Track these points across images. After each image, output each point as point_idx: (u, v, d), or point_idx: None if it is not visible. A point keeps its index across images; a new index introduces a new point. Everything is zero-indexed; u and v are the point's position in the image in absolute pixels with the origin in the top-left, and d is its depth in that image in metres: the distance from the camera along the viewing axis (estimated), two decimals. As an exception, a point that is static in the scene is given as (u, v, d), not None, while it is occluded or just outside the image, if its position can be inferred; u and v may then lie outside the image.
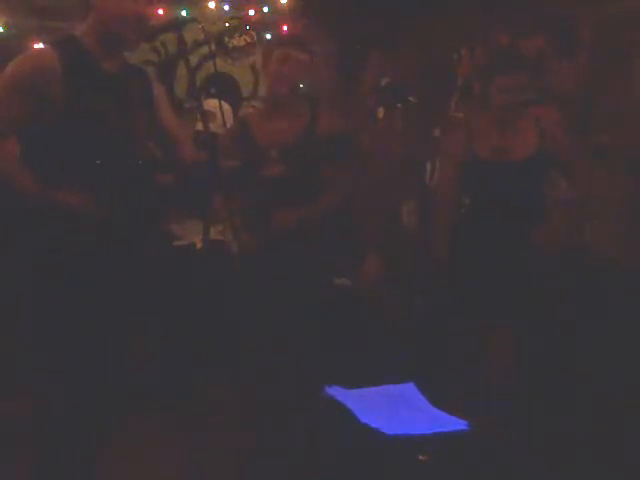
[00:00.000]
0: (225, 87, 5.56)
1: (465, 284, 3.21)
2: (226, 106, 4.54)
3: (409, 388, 2.40)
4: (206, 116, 2.63)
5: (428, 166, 4.16)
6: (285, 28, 5.48)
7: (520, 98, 3.19)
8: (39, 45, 4.65)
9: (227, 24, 5.57)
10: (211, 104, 4.01)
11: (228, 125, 3.43)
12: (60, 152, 2.33)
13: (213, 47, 5.13)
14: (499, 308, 3.15)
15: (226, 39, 5.51)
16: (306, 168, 3.06)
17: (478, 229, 3.23)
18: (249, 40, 5.56)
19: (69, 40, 2.44)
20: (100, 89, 2.40)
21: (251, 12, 5.62)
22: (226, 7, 5.64)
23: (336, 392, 2.29)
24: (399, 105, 4.14)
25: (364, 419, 2.14)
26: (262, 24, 5.62)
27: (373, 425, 2.11)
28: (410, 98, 4.23)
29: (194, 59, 5.00)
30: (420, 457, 2.04)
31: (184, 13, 5.05)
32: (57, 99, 2.32)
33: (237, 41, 5.54)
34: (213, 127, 3.13)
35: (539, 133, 3.24)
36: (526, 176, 3.18)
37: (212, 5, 5.56)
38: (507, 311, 3.15)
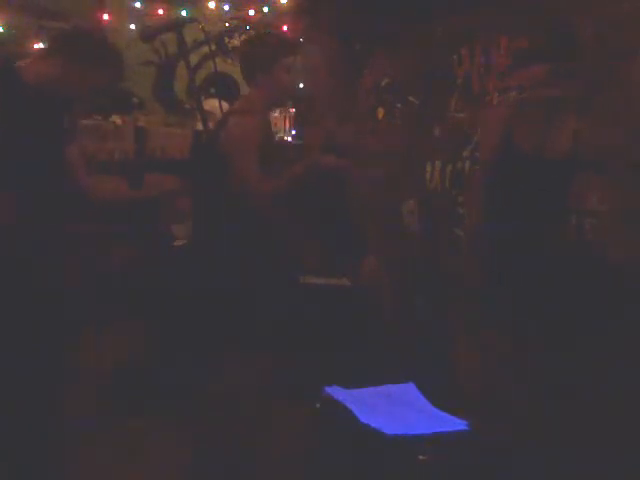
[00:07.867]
0: (225, 87, 5.56)
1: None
2: (226, 106, 4.54)
3: (409, 388, 2.40)
4: (206, 116, 2.64)
5: (428, 166, 4.16)
6: (285, 28, 5.49)
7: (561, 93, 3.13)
8: (39, 45, 4.66)
9: (227, 24, 5.58)
10: (211, 104, 4.01)
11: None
12: None
13: (213, 47, 5.13)
14: (500, 308, 3.14)
15: (226, 39, 5.52)
16: None
17: (505, 228, 3.16)
18: (249, 40, 5.56)
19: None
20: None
21: (251, 12, 5.63)
22: (226, 7, 5.65)
23: (336, 392, 2.29)
24: (399, 105, 4.14)
25: (364, 419, 2.14)
26: (262, 24, 5.62)
27: (373, 425, 2.11)
28: (410, 98, 4.23)
29: (194, 59, 5.01)
30: (420, 457, 2.04)
31: (184, 13, 5.06)
32: None
33: (237, 41, 5.54)
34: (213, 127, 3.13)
35: (575, 133, 3.18)
36: (561, 175, 3.12)
37: (212, 5, 5.57)
38: (507, 312, 3.14)
